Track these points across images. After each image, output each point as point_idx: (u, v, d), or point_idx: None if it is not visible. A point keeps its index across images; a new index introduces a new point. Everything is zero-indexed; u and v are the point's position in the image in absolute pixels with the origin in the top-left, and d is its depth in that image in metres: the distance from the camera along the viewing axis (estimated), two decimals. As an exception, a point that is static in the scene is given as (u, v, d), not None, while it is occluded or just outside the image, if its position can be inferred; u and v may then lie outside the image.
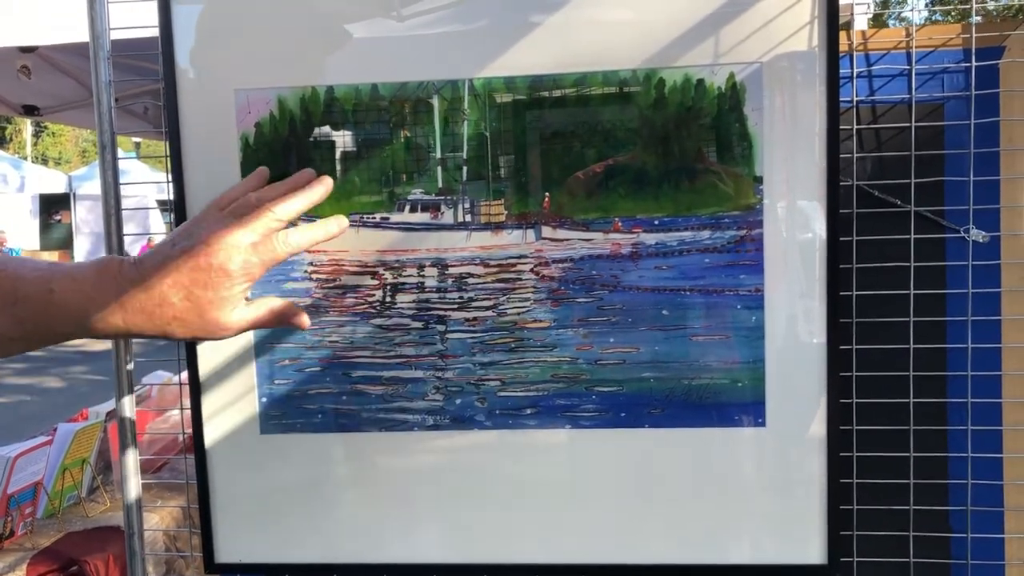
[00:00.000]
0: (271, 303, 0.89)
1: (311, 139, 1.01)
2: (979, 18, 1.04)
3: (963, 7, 1.08)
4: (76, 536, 2.21)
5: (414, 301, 1.02)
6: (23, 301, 0.77)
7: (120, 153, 1.16)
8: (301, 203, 0.88)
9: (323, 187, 0.90)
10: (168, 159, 1.02)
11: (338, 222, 0.90)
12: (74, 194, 15.29)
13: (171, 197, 1.03)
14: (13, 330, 0.78)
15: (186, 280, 0.80)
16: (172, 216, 1.03)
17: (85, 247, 14.99)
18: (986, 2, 1.11)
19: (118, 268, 0.81)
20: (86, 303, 0.79)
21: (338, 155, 1.01)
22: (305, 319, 0.92)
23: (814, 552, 1.02)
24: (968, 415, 1.08)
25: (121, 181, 1.14)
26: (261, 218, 0.84)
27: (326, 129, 1.01)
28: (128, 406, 1.13)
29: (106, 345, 1.13)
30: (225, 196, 0.90)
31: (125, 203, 1.15)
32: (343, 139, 1.01)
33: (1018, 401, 1.08)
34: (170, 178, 1.02)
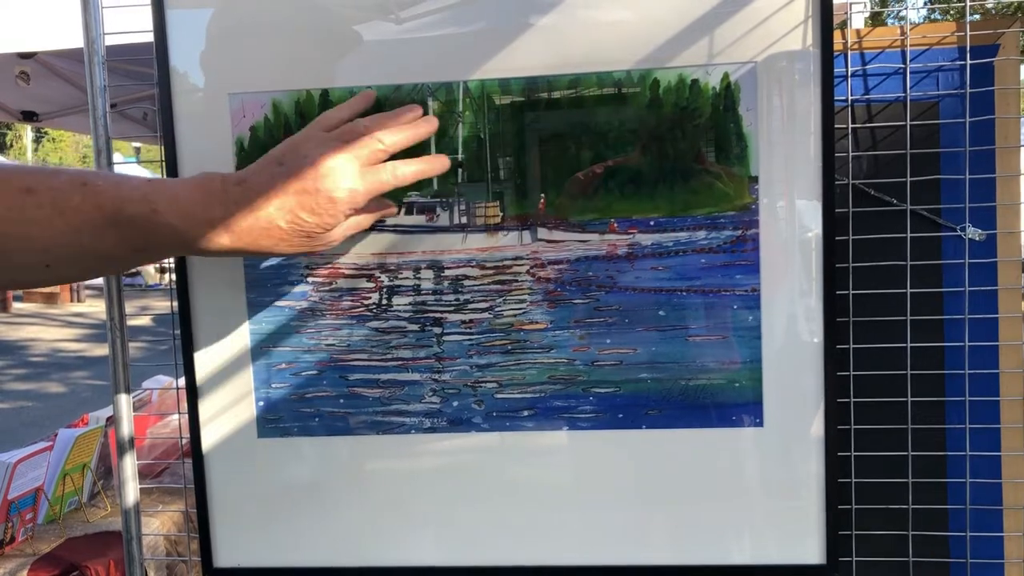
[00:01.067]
0: (360, 219, 0.89)
1: (306, 142, 1.01)
2: (977, 16, 1.04)
3: (959, 5, 1.08)
4: (77, 541, 2.21)
5: (410, 304, 1.02)
6: (128, 223, 0.76)
7: (121, 158, 1.16)
8: (409, 135, 0.87)
9: (429, 125, 0.90)
10: (163, 163, 1.02)
11: (441, 161, 0.91)
12: (74, 199, 15.28)
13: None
14: (118, 250, 0.77)
15: (293, 203, 0.79)
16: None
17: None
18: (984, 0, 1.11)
19: (222, 187, 0.80)
20: (192, 224, 0.78)
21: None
22: (393, 206, 0.95)
23: (813, 552, 1.02)
24: (966, 413, 1.08)
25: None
26: (369, 146, 0.84)
27: (321, 132, 1.01)
28: (125, 411, 1.13)
29: (107, 350, 1.13)
30: (331, 116, 0.89)
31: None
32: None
33: (1015, 399, 1.08)
34: (166, 183, 1.02)
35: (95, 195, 0.75)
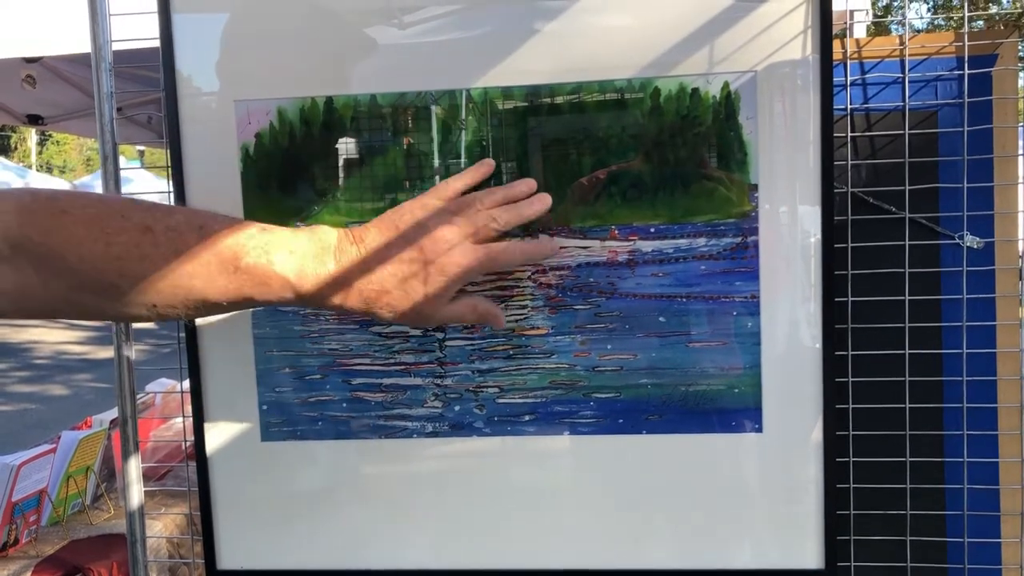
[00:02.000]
0: (476, 302, 0.89)
1: (311, 149, 1.02)
2: (981, 23, 1.05)
3: (960, 15, 1.08)
4: (80, 544, 2.22)
5: (413, 309, 1.03)
6: (245, 271, 0.77)
7: (124, 162, 1.17)
8: (522, 214, 0.88)
9: (542, 204, 0.91)
10: (169, 169, 1.03)
11: (552, 244, 0.93)
12: (78, 202, 15.29)
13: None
14: (228, 295, 0.77)
15: (406, 271, 0.80)
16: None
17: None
18: (987, 7, 1.12)
19: (337, 244, 0.81)
20: (305, 278, 0.79)
21: (338, 165, 1.02)
22: (503, 319, 0.92)
23: (811, 557, 1.02)
24: (963, 420, 1.08)
25: (124, 191, 1.15)
26: (484, 223, 0.85)
27: (325, 139, 1.02)
28: (130, 413, 1.14)
29: (111, 353, 1.14)
30: (449, 186, 0.89)
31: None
32: (343, 149, 1.02)
33: (1013, 406, 1.09)
34: (171, 188, 1.04)
35: (212, 240, 0.76)
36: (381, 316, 0.83)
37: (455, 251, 0.82)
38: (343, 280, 0.80)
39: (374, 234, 0.83)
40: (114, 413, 2.50)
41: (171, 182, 1.03)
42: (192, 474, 1.09)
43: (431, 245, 0.81)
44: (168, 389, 2.80)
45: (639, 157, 0.99)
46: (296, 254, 0.79)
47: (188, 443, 1.12)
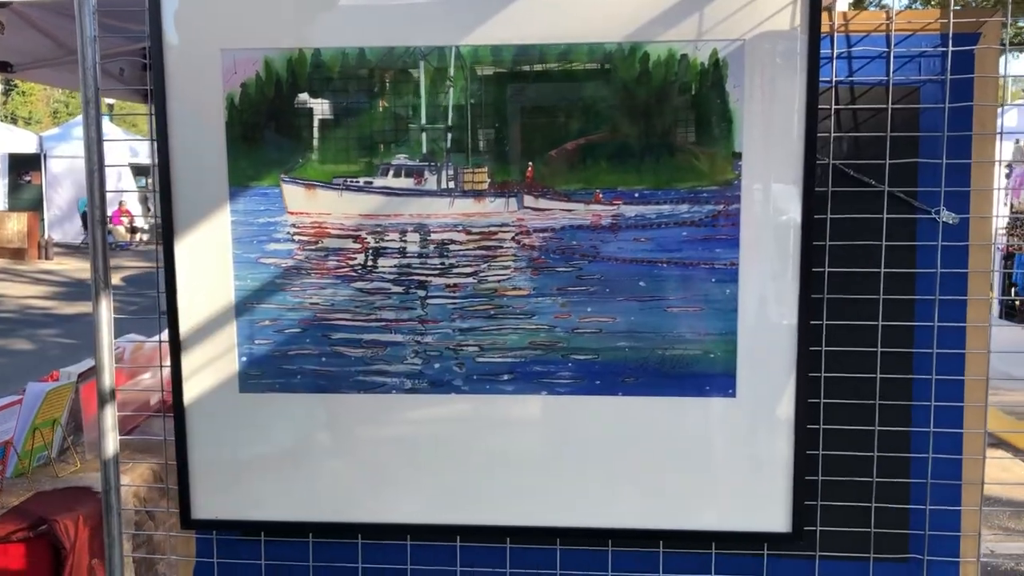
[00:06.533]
0: None
1: (296, 101, 1.01)
2: (959, 7, 1.06)
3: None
4: (46, 495, 2.20)
5: (396, 266, 1.03)
6: None
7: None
8: None
9: None
10: (152, 118, 1.02)
11: None
12: (45, 155, 14.99)
13: (154, 157, 1.03)
14: None
15: None
16: (156, 175, 1.03)
17: (55, 210, 14.75)
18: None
19: None
20: None
21: (323, 118, 1.02)
22: None
23: (779, 520, 1.05)
24: (932, 392, 1.10)
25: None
26: None
27: (312, 91, 1.01)
28: (108, 362, 1.13)
29: (77, 308, 1.13)
30: None
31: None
32: (329, 102, 1.02)
33: (979, 379, 1.11)
34: (154, 137, 1.03)
35: None
36: None
37: None
38: None
39: None
40: (83, 367, 2.47)
41: (155, 131, 1.02)
42: (169, 424, 1.09)
43: None
44: (138, 344, 2.77)
45: (619, 122, 0.99)
46: None
47: (164, 394, 1.12)
